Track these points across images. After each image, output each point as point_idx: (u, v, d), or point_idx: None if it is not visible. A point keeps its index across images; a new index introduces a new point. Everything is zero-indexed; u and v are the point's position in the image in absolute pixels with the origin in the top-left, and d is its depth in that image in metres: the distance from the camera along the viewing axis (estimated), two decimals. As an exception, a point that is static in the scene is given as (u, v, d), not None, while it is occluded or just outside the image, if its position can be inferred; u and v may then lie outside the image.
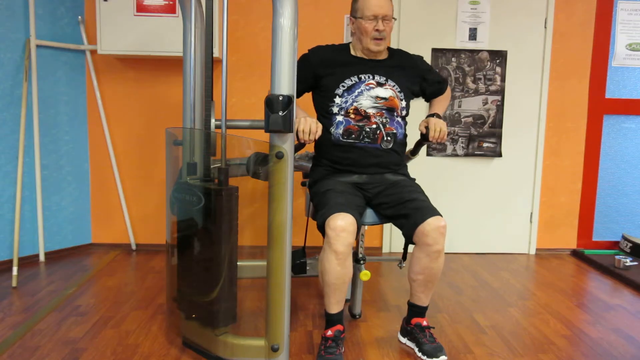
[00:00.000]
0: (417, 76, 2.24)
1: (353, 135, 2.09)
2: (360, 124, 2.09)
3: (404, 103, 2.16)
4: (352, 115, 2.09)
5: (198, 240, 1.94)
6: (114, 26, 3.07)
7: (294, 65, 1.76)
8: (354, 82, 2.11)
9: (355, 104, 2.09)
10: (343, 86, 2.10)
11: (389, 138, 2.11)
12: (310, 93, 2.23)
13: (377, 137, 2.10)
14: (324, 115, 2.14)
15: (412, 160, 2.43)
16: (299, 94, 2.18)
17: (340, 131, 2.10)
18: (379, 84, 2.12)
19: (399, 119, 2.15)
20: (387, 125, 2.11)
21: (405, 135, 2.20)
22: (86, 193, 3.42)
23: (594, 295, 2.84)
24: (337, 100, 2.10)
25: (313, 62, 2.15)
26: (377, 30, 2.06)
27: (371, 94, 2.10)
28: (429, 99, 2.33)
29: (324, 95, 2.13)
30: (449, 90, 2.35)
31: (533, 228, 3.60)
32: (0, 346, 2.05)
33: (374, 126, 2.09)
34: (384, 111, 2.11)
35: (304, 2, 3.29)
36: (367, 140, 2.09)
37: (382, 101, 2.10)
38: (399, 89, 2.15)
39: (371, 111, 2.09)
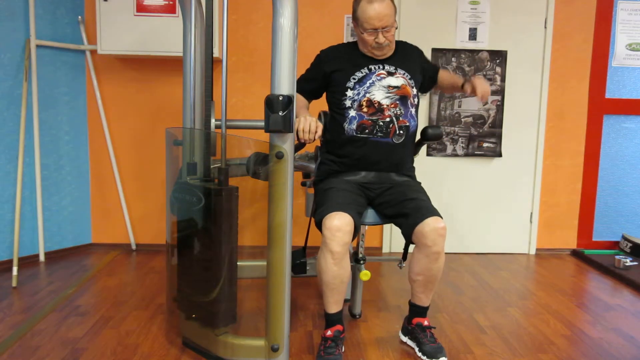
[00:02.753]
0: (420, 65, 2.25)
1: (367, 131, 2.09)
2: (374, 117, 2.08)
3: (415, 90, 2.17)
4: (365, 109, 2.08)
5: (198, 240, 1.94)
6: (114, 26, 3.07)
7: (294, 66, 1.77)
8: (364, 73, 2.11)
9: (367, 94, 2.08)
10: (354, 79, 2.10)
11: (401, 132, 2.11)
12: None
13: (389, 131, 2.10)
14: (337, 111, 2.14)
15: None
16: (313, 92, 2.21)
17: (354, 127, 2.09)
18: (390, 73, 2.12)
19: (413, 110, 2.15)
20: (401, 118, 2.10)
21: (417, 126, 2.20)
22: (86, 193, 3.42)
23: (594, 295, 2.84)
24: (349, 93, 2.10)
25: (324, 60, 2.17)
26: (377, 42, 2.06)
27: (383, 84, 2.10)
28: (429, 82, 2.34)
29: (336, 90, 2.14)
30: None
31: (533, 228, 3.60)
32: (0, 346, 2.05)
33: (387, 119, 2.09)
34: (397, 102, 2.10)
35: (304, 2, 3.29)
36: (379, 134, 2.09)
37: (394, 90, 2.10)
38: (410, 76, 2.15)
39: (385, 102, 2.08)
